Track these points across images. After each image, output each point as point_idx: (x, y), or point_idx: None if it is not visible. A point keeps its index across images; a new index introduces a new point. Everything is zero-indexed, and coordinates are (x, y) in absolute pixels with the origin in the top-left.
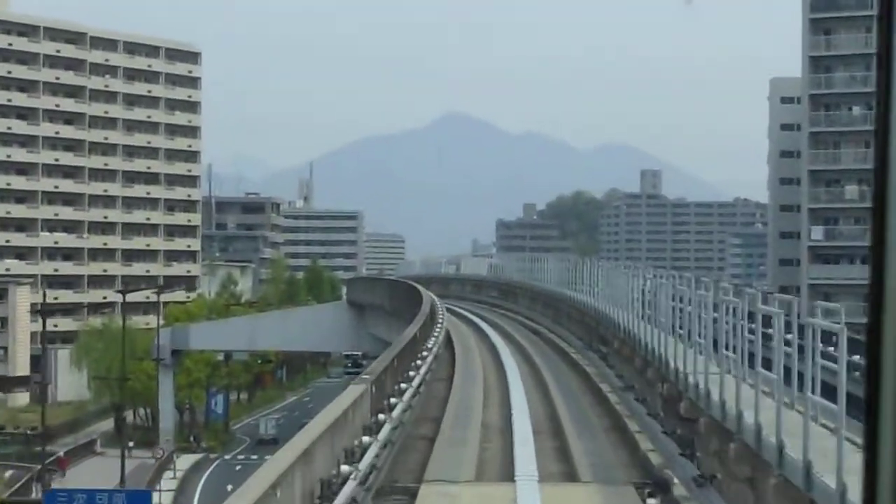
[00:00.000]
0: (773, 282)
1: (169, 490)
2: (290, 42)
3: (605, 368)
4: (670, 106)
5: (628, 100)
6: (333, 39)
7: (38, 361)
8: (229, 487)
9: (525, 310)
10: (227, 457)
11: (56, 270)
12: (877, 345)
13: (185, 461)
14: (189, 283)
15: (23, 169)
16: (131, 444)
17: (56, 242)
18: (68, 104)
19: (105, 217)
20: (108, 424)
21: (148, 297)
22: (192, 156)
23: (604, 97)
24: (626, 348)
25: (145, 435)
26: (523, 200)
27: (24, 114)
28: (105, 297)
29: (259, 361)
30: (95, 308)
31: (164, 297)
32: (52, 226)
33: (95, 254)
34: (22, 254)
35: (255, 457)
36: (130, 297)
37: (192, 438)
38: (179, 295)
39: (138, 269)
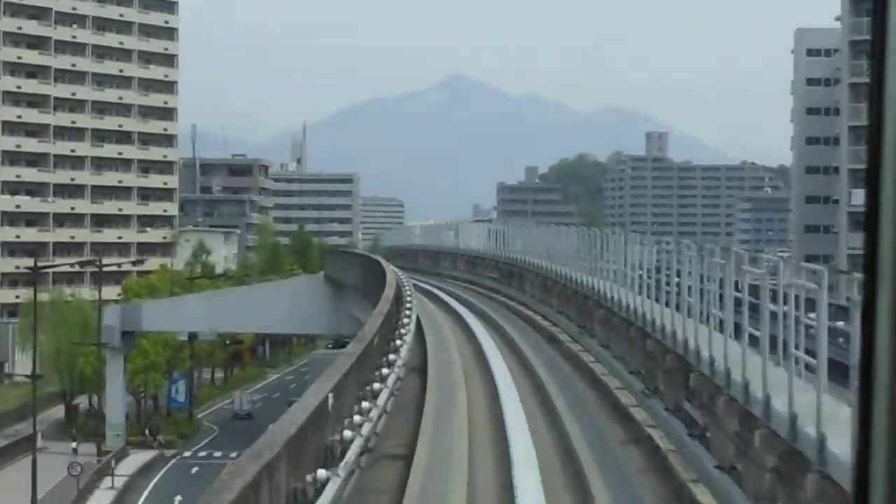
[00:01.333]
0: (799, 250)
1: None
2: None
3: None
4: (673, 69)
5: (630, 63)
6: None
7: None
8: (178, 499)
9: (538, 305)
10: (186, 454)
11: (18, 237)
12: (872, 311)
13: (134, 461)
14: (166, 250)
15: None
16: (74, 444)
17: (18, 207)
18: (31, 56)
19: (72, 179)
20: (60, 411)
21: (119, 266)
22: (168, 113)
23: (605, 60)
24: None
25: (100, 426)
26: (525, 163)
27: None
28: (73, 266)
29: (227, 343)
30: (63, 278)
31: (139, 267)
32: (13, 188)
33: (62, 219)
34: None
35: (217, 454)
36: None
37: (147, 431)
38: (155, 264)
39: (109, 235)
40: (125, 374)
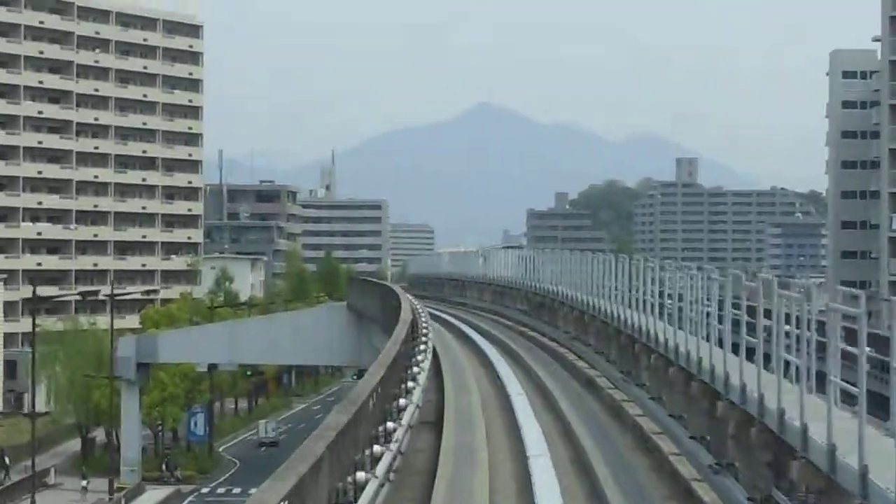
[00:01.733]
0: (835, 276)
1: None
2: (317, 31)
3: None
4: (702, 97)
5: (659, 91)
6: (362, 29)
7: (13, 367)
8: None
9: (573, 343)
10: (204, 490)
11: (39, 265)
12: None
13: (149, 498)
14: (190, 278)
15: (2, 152)
16: (84, 482)
17: (39, 234)
18: (53, 80)
19: (95, 206)
20: (77, 444)
21: (129, 295)
22: (193, 139)
23: (634, 88)
24: None
25: (116, 461)
26: (554, 191)
27: (3, 91)
28: (96, 293)
29: (249, 374)
30: (85, 306)
31: (159, 296)
32: (34, 215)
33: (84, 246)
34: (0, 247)
35: (237, 489)
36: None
37: (164, 467)
38: (178, 292)
39: (133, 262)
40: (141, 407)
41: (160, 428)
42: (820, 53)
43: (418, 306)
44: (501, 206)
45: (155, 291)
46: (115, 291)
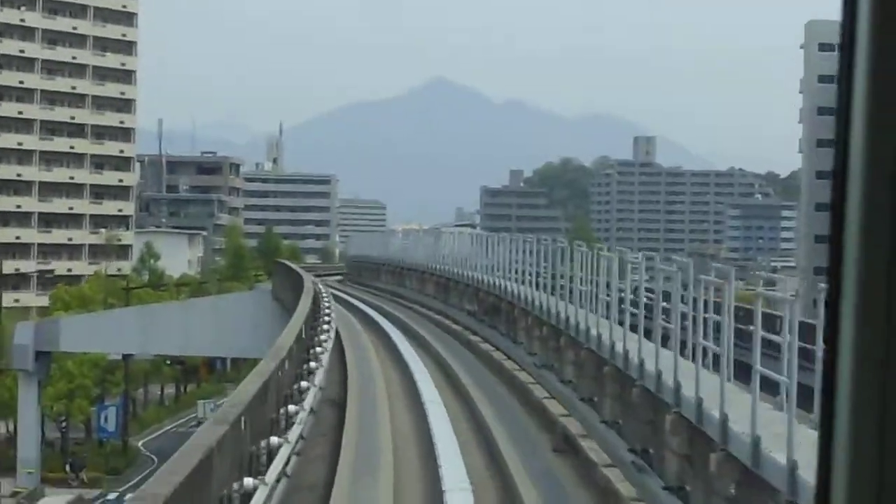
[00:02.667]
0: (807, 262)
1: None
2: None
3: None
4: (658, 79)
5: (613, 71)
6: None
7: None
8: None
9: (545, 376)
10: (110, 496)
11: None
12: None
13: None
14: (121, 253)
15: None
16: None
17: None
18: None
19: (18, 175)
20: None
21: (70, 270)
22: (125, 105)
23: (590, 69)
24: None
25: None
26: (508, 169)
27: None
28: (17, 269)
29: (168, 363)
30: (6, 282)
31: (87, 270)
32: None
33: (6, 218)
34: None
35: None
36: (57, 270)
37: (68, 467)
38: (112, 267)
39: (59, 236)
40: (40, 400)
41: (64, 424)
42: (784, 28)
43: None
44: (455, 183)
45: (50, 271)
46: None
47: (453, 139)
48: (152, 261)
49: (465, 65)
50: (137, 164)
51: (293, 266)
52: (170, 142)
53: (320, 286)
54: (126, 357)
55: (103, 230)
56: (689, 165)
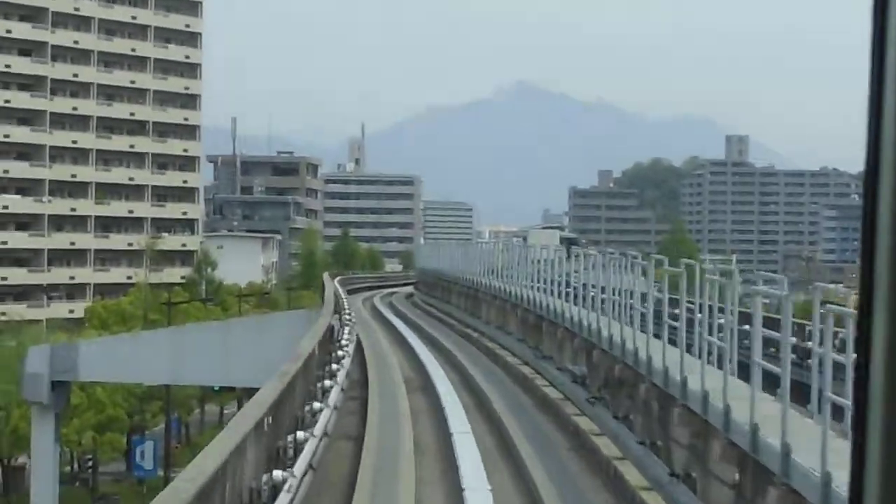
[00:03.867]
0: None
1: None
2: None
3: None
4: (746, 80)
5: (702, 73)
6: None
7: None
8: None
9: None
10: None
11: (4, 243)
12: (868, 333)
13: None
14: (186, 260)
15: None
16: None
17: (5, 207)
18: (23, 30)
19: (73, 176)
20: None
21: (130, 278)
22: (189, 100)
23: (678, 70)
24: None
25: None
26: (594, 170)
27: None
28: (72, 278)
29: (216, 389)
30: (59, 292)
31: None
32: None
33: (60, 222)
34: None
35: None
36: (112, 277)
37: None
38: (174, 275)
39: (117, 241)
40: (58, 436)
41: (90, 461)
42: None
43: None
44: (541, 185)
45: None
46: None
47: (539, 141)
48: (209, 269)
49: (552, 67)
50: (210, 165)
51: (330, 282)
52: (244, 143)
53: (346, 315)
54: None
55: (165, 235)
56: (781, 166)
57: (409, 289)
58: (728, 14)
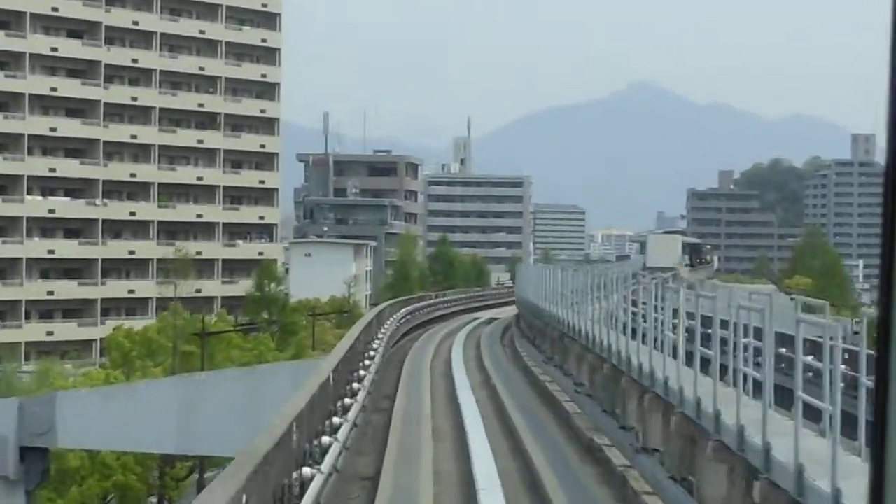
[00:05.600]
0: None
1: None
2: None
3: None
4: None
5: (817, 72)
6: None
7: None
8: None
9: None
10: None
11: (52, 252)
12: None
13: None
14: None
15: (2, 102)
16: None
17: (52, 211)
18: (73, 8)
19: (132, 175)
20: None
21: (199, 291)
22: (267, 90)
23: (792, 68)
24: None
25: None
26: (709, 171)
27: (3, 21)
28: (132, 292)
29: None
30: (116, 308)
31: (221, 291)
32: (46, 187)
33: (117, 228)
34: (0, 227)
35: None
36: (181, 291)
37: None
38: (243, 288)
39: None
40: None
41: None
42: None
43: None
44: (654, 187)
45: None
46: None
47: (652, 142)
48: (272, 284)
49: (668, 68)
50: (300, 165)
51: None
52: (339, 143)
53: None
54: None
55: (240, 242)
56: None
57: (512, 313)
58: (847, 11)
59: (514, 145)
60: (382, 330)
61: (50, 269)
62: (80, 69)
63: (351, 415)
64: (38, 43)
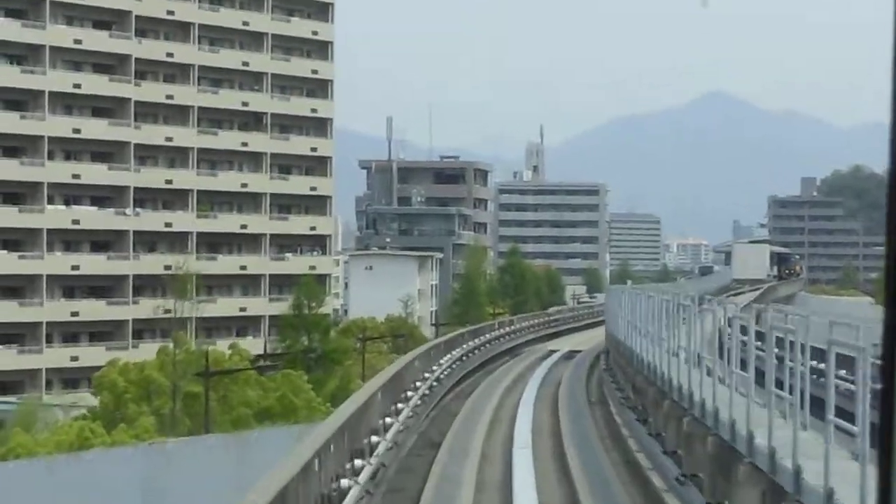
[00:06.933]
0: None
1: None
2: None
3: None
4: None
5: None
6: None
7: None
8: None
9: None
10: None
11: (76, 268)
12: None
13: None
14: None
15: (18, 100)
16: None
17: (76, 222)
18: None
19: (167, 182)
20: None
21: (244, 310)
22: (319, 87)
23: (862, 75)
24: None
25: None
26: (786, 180)
27: (20, 9)
28: (168, 311)
29: None
30: (150, 330)
31: (268, 310)
32: (69, 195)
33: (151, 241)
34: (17, 240)
35: None
36: (220, 308)
37: None
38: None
39: (227, 264)
40: None
41: None
42: None
43: None
44: (729, 196)
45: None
46: None
47: (727, 151)
48: (311, 304)
49: (741, 78)
50: (363, 173)
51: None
52: (405, 151)
53: None
54: None
55: (289, 255)
56: None
57: (597, 336)
58: None
59: (585, 156)
60: (423, 378)
61: (74, 286)
62: (108, 64)
63: None
64: (59, 34)
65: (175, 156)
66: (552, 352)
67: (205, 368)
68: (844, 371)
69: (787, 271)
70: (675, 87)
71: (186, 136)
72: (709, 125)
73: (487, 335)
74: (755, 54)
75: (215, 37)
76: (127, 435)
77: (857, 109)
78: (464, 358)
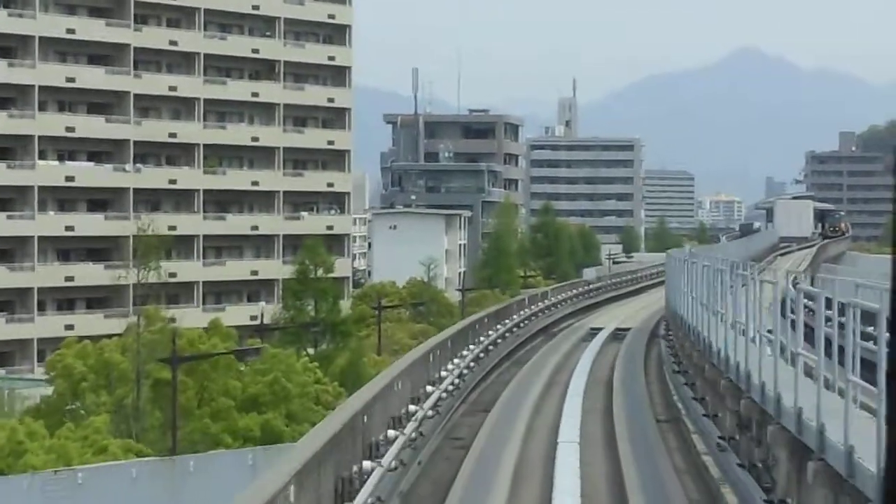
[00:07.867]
0: None
1: None
2: None
3: None
4: None
5: None
6: None
7: None
8: None
9: None
10: None
11: (70, 229)
12: None
13: None
14: (333, 245)
15: (8, 47)
16: None
17: (72, 179)
18: None
19: (171, 135)
20: None
21: (255, 273)
22: (336, 32)
23: None
24: None
25: None
26: (820, 136)
27: None
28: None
29: None
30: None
31: (282, 273)
32: (63, 149)
33: (154, 198)
34: (6, 199)
35: None
36: (229, 273)
37: None
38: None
39: (237, 223)
40: None
41: None
42: None
43: None
44: (761, 152)
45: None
46: None
47: (758, 107)
48: (317, 269)
49: (774, 32)
50: (388, 127)
51: None
52: (429, 103)
53: None
54: None
55: (304, 214)
56: None
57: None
58: None
59: (617, 115)
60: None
61: (69, 249)
62: (105, 7)
63: None
64: None
65: (179, 107)
66: (594, 331)
67: (172, 352)
68: None
69: (832, 229)
70: (706, 43)
71: (192, 86)
72: (741, 82)
73: (514, 317)
74: (786, 9)
75: None
76: (73, 436)
77: (891, 66)
78: (480, 356)
